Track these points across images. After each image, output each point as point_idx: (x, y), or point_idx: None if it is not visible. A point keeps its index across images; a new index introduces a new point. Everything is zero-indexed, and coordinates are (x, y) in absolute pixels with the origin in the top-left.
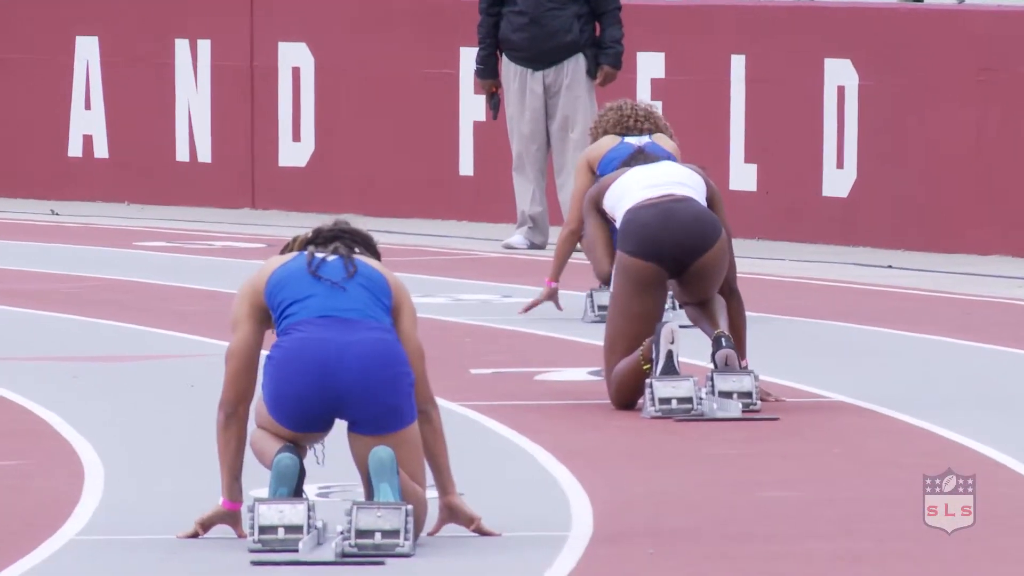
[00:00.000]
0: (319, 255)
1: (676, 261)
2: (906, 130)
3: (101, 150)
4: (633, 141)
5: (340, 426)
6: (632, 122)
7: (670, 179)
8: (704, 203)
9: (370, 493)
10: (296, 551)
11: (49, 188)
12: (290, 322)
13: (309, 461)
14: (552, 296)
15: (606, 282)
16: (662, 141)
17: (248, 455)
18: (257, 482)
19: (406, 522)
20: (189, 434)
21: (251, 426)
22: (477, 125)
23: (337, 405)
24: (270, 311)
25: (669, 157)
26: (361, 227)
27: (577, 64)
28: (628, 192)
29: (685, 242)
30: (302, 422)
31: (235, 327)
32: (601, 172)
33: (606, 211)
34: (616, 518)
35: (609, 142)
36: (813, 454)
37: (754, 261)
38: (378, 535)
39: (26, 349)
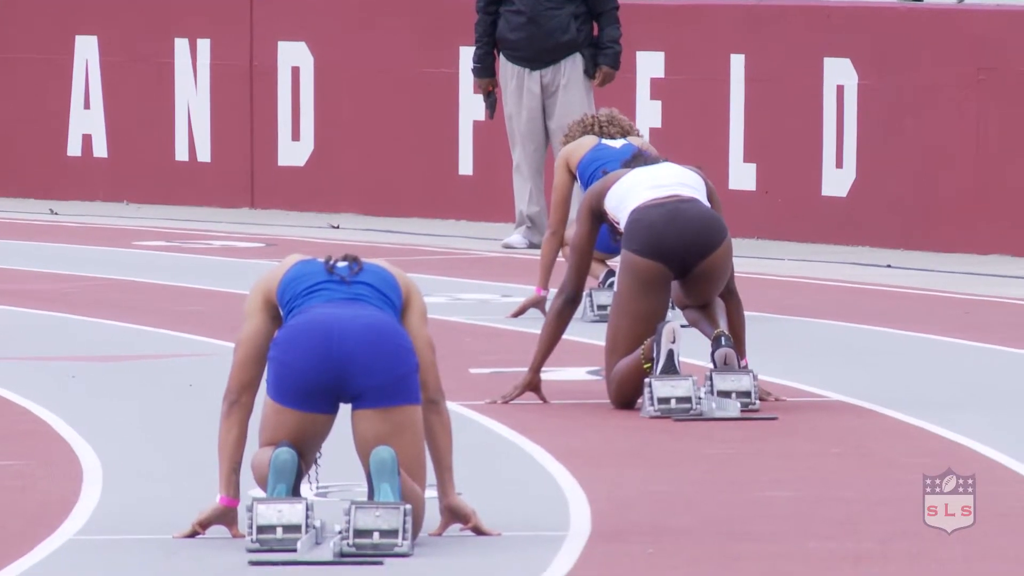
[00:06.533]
0: (332, 260)
1: (682, 261)
2: (905, 129)
3: (100, 149)
4: (610, 143)
5: (338, 429)
6: (597, 129)
7: (675, 180)
8: (707, 203)
9: (371, 482)
10: (294, 551)
11: (48, 187)
12: (296, 311)
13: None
14: (539, 303)
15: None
16: (638, 143)
17: (247, 466)
18: (255, 483)
19: (404, 522)
20: (188, 434)
21: (252, 450)
22: (476, 124)
23: (342, 374)
24: (279, 307)
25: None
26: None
27: (575, 64)
28: (633, 192)
29: (692, 242)
30: (308, 397)
31: (247, 318)
32: (580, 172)
33: (607, 212)
34: (615, 517)
35: (588, 142)
36: (812, 454)
37: (753, 260)
38: (376, 535)
39: (24, 349)
